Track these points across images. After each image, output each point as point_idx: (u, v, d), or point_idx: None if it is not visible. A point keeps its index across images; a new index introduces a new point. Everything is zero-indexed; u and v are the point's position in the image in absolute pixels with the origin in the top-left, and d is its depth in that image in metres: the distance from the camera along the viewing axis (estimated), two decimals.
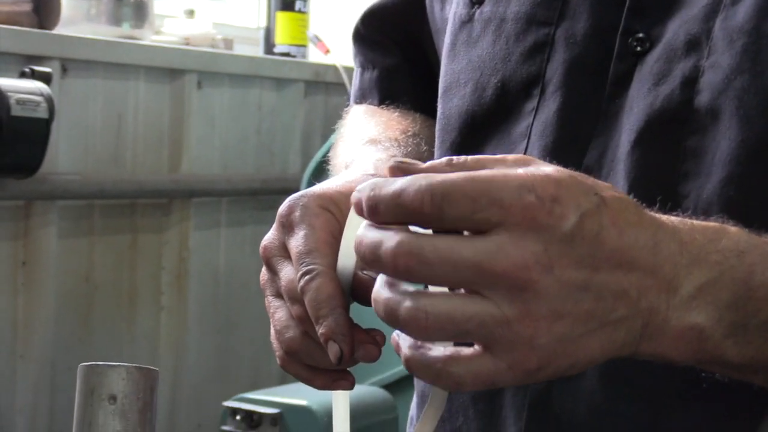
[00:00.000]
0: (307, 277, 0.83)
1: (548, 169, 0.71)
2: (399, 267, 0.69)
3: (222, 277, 3.06)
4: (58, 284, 2.62)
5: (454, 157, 0.72)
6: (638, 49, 0.95)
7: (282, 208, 0.87)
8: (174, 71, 2.89)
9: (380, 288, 0.71)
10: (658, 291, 0.74)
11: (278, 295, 0.87)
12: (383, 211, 0.70)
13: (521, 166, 0.72)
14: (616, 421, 0.93)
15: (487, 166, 0.72)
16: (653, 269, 0.73)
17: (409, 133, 1.08)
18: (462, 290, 0.71)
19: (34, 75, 2.35)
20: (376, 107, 1.21)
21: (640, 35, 0.95)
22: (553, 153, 0.97)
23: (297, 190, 3.12)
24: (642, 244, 0.73)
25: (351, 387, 0.90)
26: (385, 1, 1.23)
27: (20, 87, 2.28)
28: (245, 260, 3.13)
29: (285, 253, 0.86)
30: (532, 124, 0.99)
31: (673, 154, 0.92)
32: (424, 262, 0.69)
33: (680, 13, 0.94)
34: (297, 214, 0.86)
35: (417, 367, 0.72)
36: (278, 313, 0.87)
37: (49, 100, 2.31)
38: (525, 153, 0.98)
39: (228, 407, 2.49)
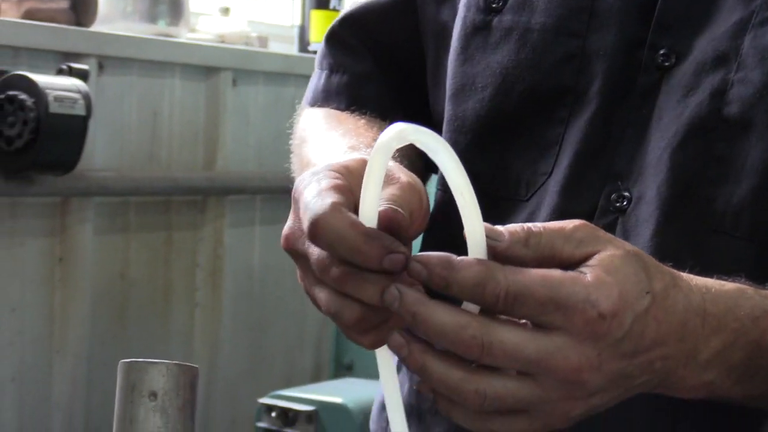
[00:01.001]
0: (318, 211, 0.79)
1: (612, 272, 0.78)
2: (469, 353, 0.77)
3: (256, 274, 3.07)
4: (94, 280, 2.63)
5: (529, 236, 0.79)
6: (665, 64, 1.00)
7: (293, 188, 0.85)
8: (209, 69, 2.90)
9: (444, 367, 0.78)
10: (677, 360, 0.83)
11: (317, 282, 0.83)
12: (457, 293, 0.77)
13: (591, 245, 0.80)
14: (637, 408, 0.97)
15: (556, 246, 0.79)
16: (677, 344, 0.82)
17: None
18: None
19: (72, 72, 2.36)
20: (340, 112, 1.19)
21: (665, 51, 1.00)
22: (584, 159, 1.01)
23: None
24: (674, 327, 0.82)
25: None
26: (364, 6, 1.22)
27: (58, 84, 2.29)
28: (279, 257, 3.14)
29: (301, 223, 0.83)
30: (564, 131, 1.02)
31: (702, 160, 0.97)
32: (491, 354, 0.77)
33: (707, 31, 0.99)
34: (304, 182, 0.84)
35: (460, 416, 0.80)
36: (324, 297, 0.83)
37: (87, 98, 2.32)
38: (556, 159, 1.03)
39: (263, 404, 2.50)
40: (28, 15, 2.46)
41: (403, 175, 0.84)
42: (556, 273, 0.78)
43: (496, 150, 1.04)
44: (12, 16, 2.46)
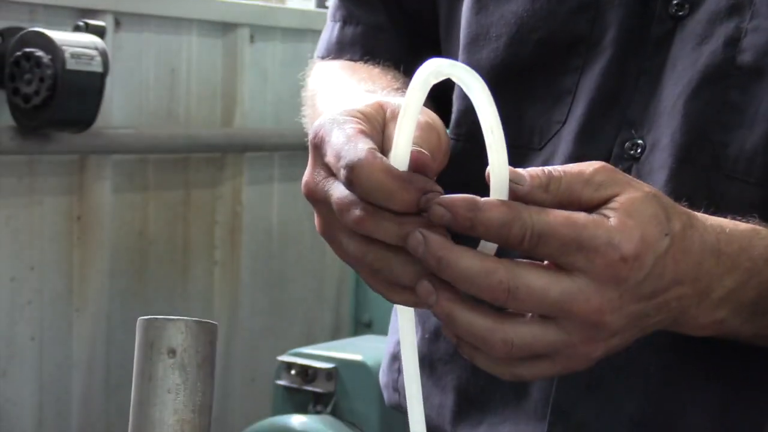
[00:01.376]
0: (354, 160, 0.78)
1: (633, 215, 0.79)
2: (495, 298, 0.78)
3: (275, 231, 3.07)
4: (112, 239, 2.63)
5: (550, 179, 0.80)
6: (679, 13, 1.00)
7: (310, 136, 0.84)
8: (226, 25, 2.88)
9: (471, 316, 0.79)
10: (691, 297, 0.84)
11: (340, 226, 0.81)
12: (482, 233, 0.78)
13: (611, 188, 0.80)
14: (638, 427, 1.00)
15: (575, 189, 0.80)
16: (693, 282, 0.84)
17: (395, 87, 1.09)
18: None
19: (88, 28, 2.35)
20: (353, 63, 1.19)
21: (678, 0, 1.00)
22: (599, 107, 1.02)
23: None
24: (690, 266, 0.83)
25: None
26: None
27: (74, 41, 2.28)
28: (298, 215, 3.13)
29: (329, 172, 0.82)
30: (579, 80, 1.03)
31: (716, 107, 0.98)
32: (516, 298, 0.78)
33: None
34: (325, 127, 0.83)
35: (483, 361, 0.82)
36: (347, 241, 0.81)
37: (104, 54, 2.31)
38: (570, 107, 1.03)
39: (283, 362, 2.50)
40: None
41: (422, 115, 0.83)
42: (580, 215, 0.78)
43: (511, 99, 1.05)
44: None
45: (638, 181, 0.83)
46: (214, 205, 2.92)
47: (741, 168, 0.96)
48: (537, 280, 0.78)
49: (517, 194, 0.79)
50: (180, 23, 2.76)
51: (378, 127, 0.84)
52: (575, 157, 1.01)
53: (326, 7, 3.16)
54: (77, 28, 2.35)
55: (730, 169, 0.96)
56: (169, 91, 2.77)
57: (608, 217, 0.79)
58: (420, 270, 0.80)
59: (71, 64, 2.23)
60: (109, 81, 2.38)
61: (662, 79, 1.00)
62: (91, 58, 2.27)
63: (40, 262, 2.50)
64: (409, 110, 0.78)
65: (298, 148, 3.09)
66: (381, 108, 0.85)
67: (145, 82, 2.70)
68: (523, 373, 0.82)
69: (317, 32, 3.56)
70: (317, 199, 0.83)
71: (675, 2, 1.00)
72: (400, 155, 0.79)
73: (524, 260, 0.79)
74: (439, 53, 1.17)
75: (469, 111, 1.08)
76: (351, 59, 1.20)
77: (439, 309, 0.79)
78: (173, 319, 0.80)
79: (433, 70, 0.78)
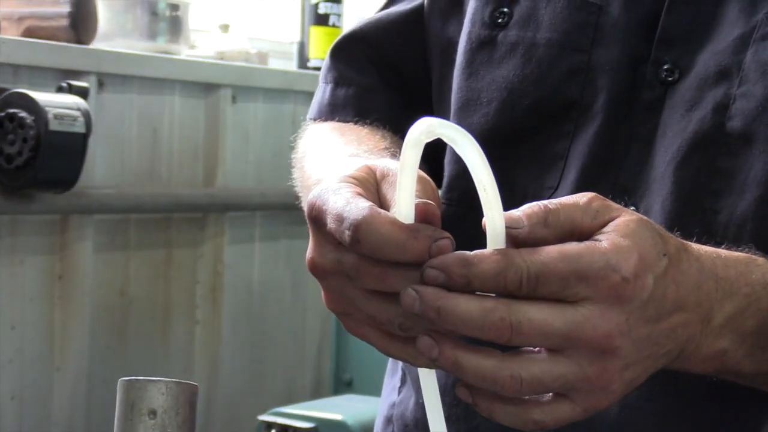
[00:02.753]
0: (357, 219, 0.77)
1: (628, 236, 0.78)
2: (499, 336, 0.77)
3: (256, 290, 3.07)
4: (94, 298, 2.63)
5: (548, 215, 0.79)
6: (669, 79, 1.01)
7: (307, 210, 0.83)
8: (209, 86, 2.90)
9: (477, 359, 0.78)
10: (696, 324, 0.83)
11: (357, 297, 0.80)
12: (479, 287, 0.77)
13: (607, 214, 0.80)
14: (646, 416, 0.99)
15: (575, 219, 0.79)
16: (695, 307, 0.83)
17: (382, 147, 1.09)
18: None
19: (71, 90, 2.37)
20: (344, 124, 1.19)
21: (668, 66, 1.01)
22: (591, 173, 1.02)
23: None
24: (691, 289, 0.82)
25: None
26: (370, 23, 1.23)
27: (58, 102, 2.29)
28: (279, 274, 3.14)
29: (333, 242, 0.81)
30: (570, 145, 1.04)
31: (706, 174, 0.98)
32: (521, 333, 0.76)
33: (708, 46, 1.00)
34: (321, 198, 0.82)
35: (501, 414, 0.80)
36: (372, 308, 0.80)
37: (86, 115, 2.32)
38: (562, 173, 1.04)
39: (263, 421, 2.50)
40: (28, 33, 2.47)
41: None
42: (572, 246, 0.78)
43: (502, 164, 1.05)
44: (12, 34, 2.47)
45: (630, 209, 0.82)
46: (196, 265, 2.92)
47: (731, 234, 0.97)
48: (539, 313, 0.77)
49: (518, 239, 0.78)
50: (162, 84, 2.78)
51: (372, 189, 0.84)
52: None
53: (308, 68, 3.19)
54: (60, 89, 2.36)
55: (721, 235, 0.97)
56: (152, 151, 2.78)
57: (601, 242, 0.78)
58: None
59: (54, 125, 2.25)
60: (92, 141, 2.39)
61: (653, 144, 1.01)
62: (74, 119, 2.28)
63: (21, 321, 2.50)
64: (407, 167, 0.78)
65: (279, 208, 3.10)
66: (371, 170, 0.85)
67: (127, 142, 2.71)
68: (544, 419, 0.79)
69: (299, 92, 3.57)
70: (326, 271, 0.82)
71: (665, 67, 1.01)
72: (404, 210, 0.79)
73: (522, 298, 0.77)
74: (431, 114, 1.17)
75: (460, 175, 1.08)
76: (343, 121, 1.20)
77: (444, 359, 0.78)
78: (154, 380, 0.81)
79: (424, 129, 0.78)
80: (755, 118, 0.97)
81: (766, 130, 0.96)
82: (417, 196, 0.80)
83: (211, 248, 2.94)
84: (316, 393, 3.19)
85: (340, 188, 0.82)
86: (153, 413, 0.80)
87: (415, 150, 0.78)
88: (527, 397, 0.79)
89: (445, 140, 0.78)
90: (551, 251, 0.77)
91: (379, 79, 1.21)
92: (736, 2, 0.99)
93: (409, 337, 0.81)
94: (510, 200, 1.05)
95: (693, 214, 0.97)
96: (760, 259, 0.88)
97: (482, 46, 1.09)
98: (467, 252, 0.77)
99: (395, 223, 0.77)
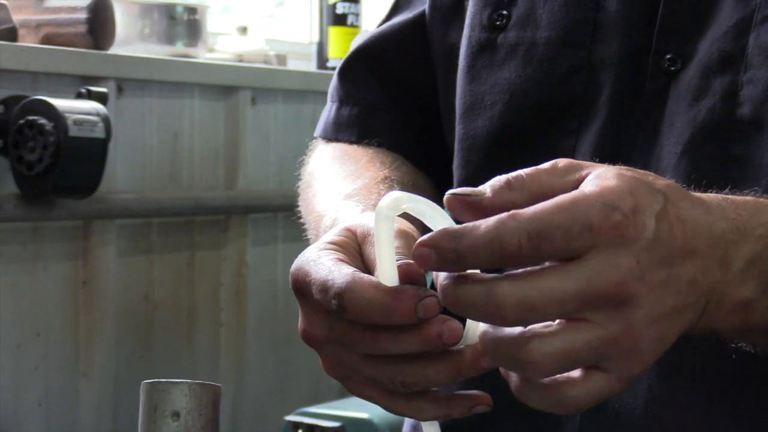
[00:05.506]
0: (340, 288, 0.78)
1: (612, 178, 0.74)
2: (510, 319, 0.71)
3: (280, 291, 3.07)
4: (118, 303, 2.64)
5: (510, 178, 0.75)
6: (672, 68, 1.00)
7: (291, 282, 0.84)
8: (228, 88, 2.91)
9: (492, 334, 0.73)
10: (715, 269, 0.77)
11: (355, 361, 0.80)
12: (473, 261, 0.72)
13: (577, 171, 0.75)
14: (674, 411, 0.97)
15: (543, 181, 0.75)
16: (711, 251, 0.77)
17: (380, 179, 1.10)
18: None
19: (91, 95, 2.37)
20: (347, 147, 1.21)
21: (670, 56, 1.00)
22: None
23: None
24: (701, 229, 0.77)
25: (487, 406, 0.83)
26: (374, 36, 1.24)
27: (77, 108, 2.30)
28: None
29: (320, 311, 0.82)
30: (576, 142, 1.04)
31: (720, 162, 0.98)
32: (533, 309, 0.71)
33: (709, 33, 0.99)
34: (303, 269, 0.83)
35: (534, 398, 0.74)
36: (372, 370, 0.80)
37: (106, 120, 2.33)
38: None
39: (289, 421, 2.50)
40: (47, 40, 2.47)
41: (395, 222, 0.82)
42: (564, 196, 0.73)
43: (510, 165, 1.05)
44: (30, 41, 2.47)
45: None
46: (219, 267, 2.93)
47: None
48: (546, 282, 0.71)
49: (482, 204, 0.74)
50: (182, 87, 2.79)
51: (354, 251, 0.83)
52: None
53: (327, 68, 3.20)
54: (80, 95, 2.37)
55: None
56: (172, 155, 2.78)
57: (593, 186, 0.74)
58: (455, 362, 0.77)
59: (74, 131, 2.25)
60: (112, 146, 2.40)
61: (659, 135, 1.01)
62: (94, 124, 2.29)
63: (47, 327, 2.51)
64: (382, 237, 0.78)
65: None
66: (351, 233, 0.85)
67: (148, 147, 2.72)
68: (579, 396, 0.74)
69: (318, 93, 3.59)
70: (320, 340, 0.83)
71: (668, 57, 1.01)
72: (387, 275, 0.78)
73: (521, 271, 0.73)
74: (437, 126, 1.18)
75: (468, 181, 1.09)
76: (348, 141, 1.21)
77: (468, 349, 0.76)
78: (176, 382, 0.81)
79: (391, 205, 0.78)
80: (763, 103, 0.96)
81: None
82: (400, 253, 0.79)
83: (234, 250, 2.94)
84: (343, 392, 3.19)
85: (321, 257, 0.82)
86: (176, 415, 0.80)
87: (386, 222, 0.78)
88: (557, 376, 0.74)
89: (413, 214, 0.77)
90: (545, 205, 0.72)
91: (384, 96, 1.22)
92: None
93: (412, 393, 0.80)
94: None
95: None
96: (767, 201, 0.84)
97: (482, 49, 1.09)
98: (457, 227, 0.73)
99: (378, 287, 0.76)
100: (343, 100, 1.24)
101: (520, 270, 0.72)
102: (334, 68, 3.62)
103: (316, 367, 3.14)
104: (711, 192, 0.83)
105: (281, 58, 3.18)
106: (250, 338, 2.98)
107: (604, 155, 1.00)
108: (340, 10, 3.23)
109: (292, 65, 3.26)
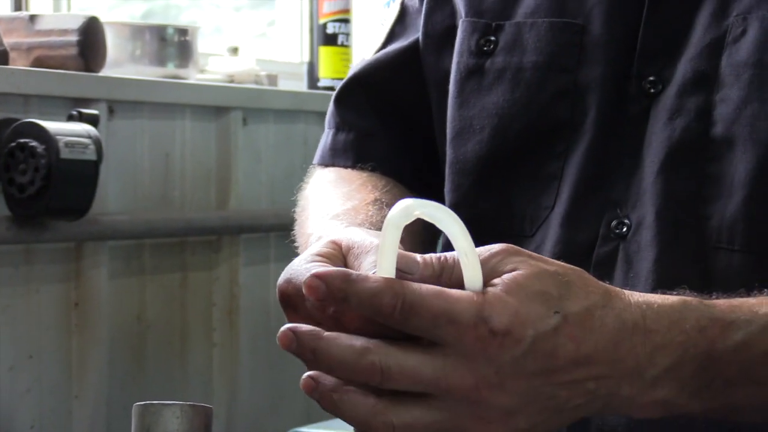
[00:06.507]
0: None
1: (513, 292, 0.78)
2: (371, 379, 0.78)
3: (273, 311, 3.07)
4: (110, 324, 2.63)
5: (444, 269, 0.79)
6: (651, 90, 1.03)
7: (279, 295, 0.87)
8: (219, 109, 2.91)
9: (351, 402, 0.79)
10: (618, 380, 0.82)
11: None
12: (355, 306, 0.77)
13: (502, 267, 0.79)
14: (661, 418, 0.97)
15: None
16: (612, 364, 0.81)
17: (369, 201, 1.12)
18: None
19: (82, 117, 2.37)
20: (343, 171, 1.24)
21: (652, 78, 1.03)
22: (584, 189, 1.05)
23: None
24: (602, 347, 0.81)
25: None
26: (370, 64, 1.26)
27: (68, 130, 2.30)
28: None
29: (311, 321, 0.84)
30: (563, 165, 1.06)
31: (695, 180, 1.00)
32: (390, 378, 0.77)
33: (685, 54, 1.02)
34: (292, 282, 0.86)
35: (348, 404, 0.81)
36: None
37: (97, 142, 2.33)
38: (557, 192, 1.05)
39: None
40: (38, 63, 2.48)
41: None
42: (454, 291, 0.78)
43: (499, 189, 1.08)
44: (21, 64, 2.48)
45: (541, 258, 0.82)
46: (211, 288, 2.92)
47: (725, 237, 0.98)
48: (409, 359, 0.77)
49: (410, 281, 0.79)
50: (173, 109, 2.79)
51: (340, 263, 0.86)
52: (564, 240, 1.03)
53: (318, 88, 3.20)
54: (71, 118, 2.37)
55: (715, 240, 0.98)
56: (164, 176, 2.79)
57: (482, 294, 0.78)
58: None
59: (65, 153, 2.25)
60: (104, 168, 2.40)
61: (641, 156, 1.03)
62: (85, 146, 2.29)
63: (39, 350, 2.51)
64: (387, 248, 0.80)
65: (293, 228, 3.10)
66: (336, 245, 0.88)
67: (139, 168, 2.72)
68: (407, 420, 0.79)
69: (309, 113, 3.58)
70: (307, 350, 0.85)
71: (650, 79, 1.02)
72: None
73: (400, 340, 0.78)
74: (432, 151, 1.20)
75: (459, 204, 1.11)
76: (343, 166, 1.25)
77: (325, 402, 0.81)
78: (168, 404, 0.81)
79: (401, 212, 0.80)
80: (734, 121, 0.98)
81: (745, 132, 0.97)
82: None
83: (226, 271, 2.94)
84: None
85: (310, 269, 0.84)
86: None
87: (394, 232, 0.80)
88: None
89: (426, 219, 0.80)
90: (431, 288, 0.77)
91: (379, 122, 1.25)
92: (708, 7, 1.01)
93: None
94: (510, 223, 1.08)
95: (686, 222, 0.99)
96: (694, 301, 0.87)
97: (471, 74, 1.12)
98: (351, 270, 0.79)
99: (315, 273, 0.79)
100: (339, 126, 1.26)
101: (394, 338, 0.78)
102: (325, 88, 3.64)
103: None
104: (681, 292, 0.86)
105: (272, 78, 3.18)
106: (243, 358, 2.98)
107: (589, 177, 1.03)
108: (330, 30, 3.24)
109: (283, 85, 3.27)
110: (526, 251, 0.81)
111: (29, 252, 2.48)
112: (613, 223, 1.02)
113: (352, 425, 0.81)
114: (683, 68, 1.01)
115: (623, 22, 1.04)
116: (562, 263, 0.83)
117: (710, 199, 0.98)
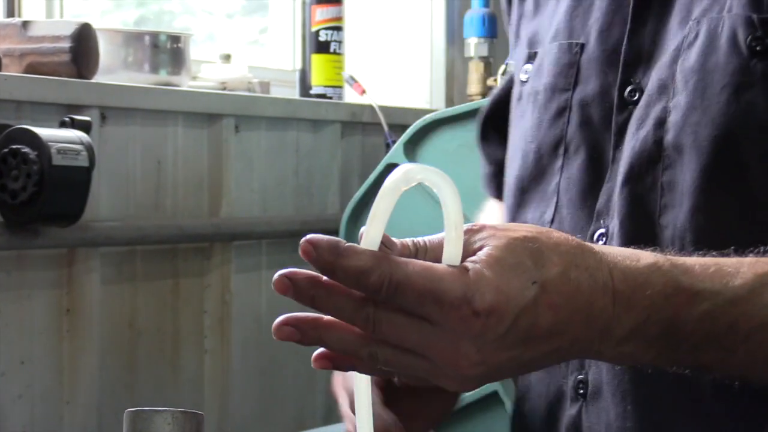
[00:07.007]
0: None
1: (491, 266, 0.79)
2: (363, 328, 0.80)
3: (264, 318, 3.07)
4: (102, 331, 2.63)
5: (418, 250, 0.82)
6: (633, 98, 1.06)
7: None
8: (211, 116, 2.91)
9: (336, 336, 0.83)
10: (589, 339, 0.85)
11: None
12: (340, 278, 0.80)
13: (478, 241, 0.81)
14: (657, 411, 1.02)
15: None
16: (585, 325, 0.83)
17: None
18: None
19: (74, 124, 2.37)
20: (493, 201, 1.31)
21: (630, 88, 1.06)
22: (576, 203, 1.09)
23: (336, 230, 3.11)
24: (579, 308, 0.83)
25: None
26: (491, 102, 1.33)
27: (60, 136, 2.30)
28: (287, 301, 3.13)
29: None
30: (560, 180, 1.10)
31: (653, 190, 1.02)
32: (380, 331, 0.80)
33: (656, 62, 1.05)
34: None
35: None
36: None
37: (90, 149, 2.33)
38: (556, 206, 1.07)
39: None
40: (30, 69, 2.48)
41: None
42: (440, 267, 0.79)
43: (520, 208, 1.12)
44: (14, 70, 2.48)
45: (505, 226, 0.83)
46: (203, 295, 2.93)
47: (677, 247, 0.99)
48: (399, 320, 0.80)
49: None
50: (165, 115, 2.79)
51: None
52: None
53: (310, 96, 3.21)
54: (63, 124, 2.37)
55: (669, 250, 0.98)
56: (156, 183, 2.79)
57: (468, 270, 0.79)
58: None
59: (57, 160, 2.25)
60: (96, 174, 2.40)
61: (618, 166, 1.04)
62: (77, 153, 2.29)
63: (30, 356, 2.51)
64: (377, 218, 0.81)
65: (285, 235, 3.10)
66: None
67: (131, 175, 2.72)
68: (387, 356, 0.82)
69: (301, 120, 3.59)
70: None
71: (629, 89, 1.04)
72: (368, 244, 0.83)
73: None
74: None
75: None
76: (493, 196, 1.32)
77: (307, 338, 0.86)
78: (159, 411, 0.81)
79: (402, 177, 0.81)
80: (681, 128, 1.00)
81: (690, 139, 0.99)
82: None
83: (218, 277, 2.94)
84: (328, 419, 3.19)
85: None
86: None
87: (389, 197, 0.80)
88: None
89: (426, 184, 0.80)
90: (417, 265, 0.79)
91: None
92: (677, 14, 1.02)
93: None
94: None
95: (646, 232, 1.01)
96: (666, 264, 0.88)
97: (517, 102, 1.18)
98: (342, 241, 0.80)
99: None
100: (485, 159, 1.34)
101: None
102: (316, 95, 3.65)
103: (301, 394, 3.16)
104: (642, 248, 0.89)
105: (264, 86, 3.18)
106: (234, 365, 2.98)
107: (580, 190, 1.06)
108: (323, 37, 3.25)
109: (276, 92, 3.27)
110: (489, 224, 0.82)
111: (21, 258, 2.48)
112: (597, 233, 1.04)
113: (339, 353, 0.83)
114: (653, 77, 1.03)
115: (613, 37, 1.06)
116: (526, 225, 0.84)
117: (665, 208, 1.00)
